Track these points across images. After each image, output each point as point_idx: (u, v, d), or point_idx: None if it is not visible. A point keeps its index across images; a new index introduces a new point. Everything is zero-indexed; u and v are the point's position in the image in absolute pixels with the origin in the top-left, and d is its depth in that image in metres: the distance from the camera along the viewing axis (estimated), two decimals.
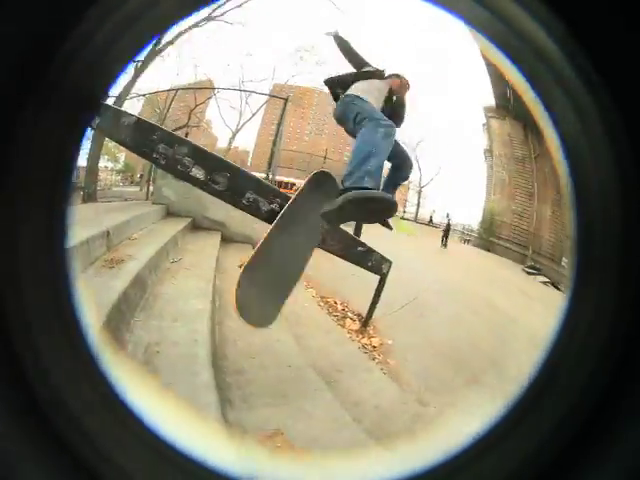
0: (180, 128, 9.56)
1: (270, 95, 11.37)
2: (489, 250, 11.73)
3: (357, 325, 3.66)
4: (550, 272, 10.22)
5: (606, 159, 0.45)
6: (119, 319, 1.86)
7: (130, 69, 7.95)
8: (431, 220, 13.09)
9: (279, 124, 8.06)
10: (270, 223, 2.19)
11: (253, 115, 11.03)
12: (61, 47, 0.44)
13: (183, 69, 9.72)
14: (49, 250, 0.48)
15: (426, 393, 2.99)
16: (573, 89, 0.46)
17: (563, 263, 9.85)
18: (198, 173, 2.20)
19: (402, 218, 12.35)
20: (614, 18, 0.42)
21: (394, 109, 2.46)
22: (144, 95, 9.53)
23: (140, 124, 2.28)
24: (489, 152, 13.32)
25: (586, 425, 0.47)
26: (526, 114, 10.00)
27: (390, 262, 3.19)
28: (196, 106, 9.95)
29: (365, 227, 5.75)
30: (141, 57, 7.97)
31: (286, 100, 8.21)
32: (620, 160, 0.45)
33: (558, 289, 9.14)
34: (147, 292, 2.42)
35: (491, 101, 12.60)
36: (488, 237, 11.99)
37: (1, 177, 0.45)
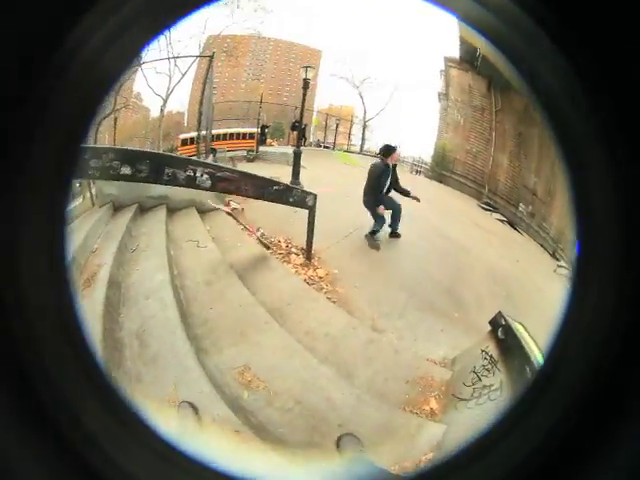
0: (106, 117, 9.11)
1: (196, 56, 10.67)
2: (441, 182, 11.46)
3: (301, 259, 4.00)
4: (506, 213, 10.00)
5: (601, 152, 0.46)
6: (110, 321, 2.41)
7: None
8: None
9: (204, 83, 8.22)
10: (191, 188, 2.73)
11: (183, 76, 10.37)
12: (59, 48, 0.45)
13: None
14: (49, 251, 0.48)
15: (380, 319, 3.15)
16: (571, 89, 0.46)
17: (520, 208, 9.79)
18: (126, 170, 2.59)
19: (346, 151, 12.30)
20: (613, 15, 0.42)
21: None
22: None
23: None
24: (444, 96, 13.21)
25: (586, 425, 0.47)
26: (493, 75, 9.88)
27: (314, 195, 3.51)
28: (121, 86, 9.48)
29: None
30: None
31: (211, 57, 8.17)
32: (618, 157, 0.45)
33: (515, 229, 8.96)
34: (122, 287, 2.93)
35: (455, 54, 12.20)
36: (441, 170, 11.73)
37: (0, 177, 0.45)
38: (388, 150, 4.97)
